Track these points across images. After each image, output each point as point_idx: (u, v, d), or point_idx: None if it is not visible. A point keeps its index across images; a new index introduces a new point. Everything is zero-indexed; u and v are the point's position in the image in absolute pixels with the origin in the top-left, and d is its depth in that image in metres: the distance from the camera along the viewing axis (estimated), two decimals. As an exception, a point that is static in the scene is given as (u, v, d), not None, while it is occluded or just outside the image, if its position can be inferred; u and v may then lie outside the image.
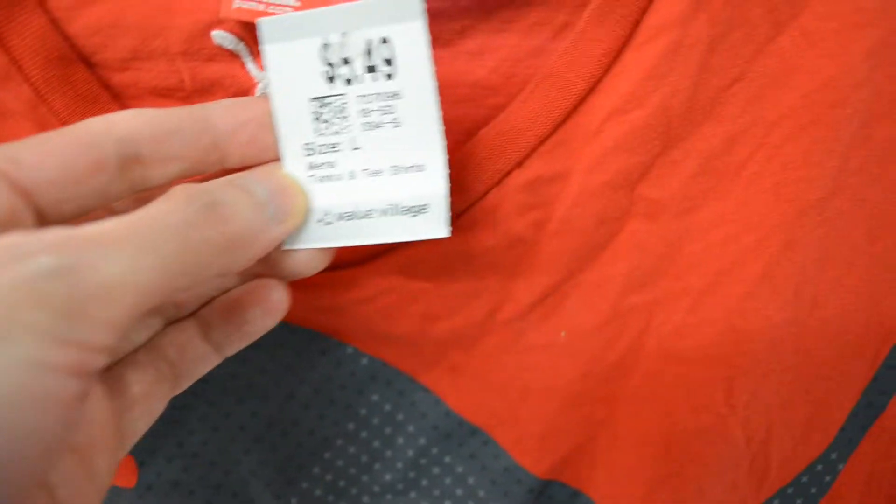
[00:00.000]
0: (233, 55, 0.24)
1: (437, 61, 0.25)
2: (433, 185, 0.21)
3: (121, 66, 0.25)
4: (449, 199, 0.21)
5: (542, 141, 0.24)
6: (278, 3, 0.23)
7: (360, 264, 0.25)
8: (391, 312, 0.26)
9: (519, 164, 0.24)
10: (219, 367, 0.27)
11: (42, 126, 0.23)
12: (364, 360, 0.28)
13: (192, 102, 0.25)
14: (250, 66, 0.24)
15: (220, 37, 0.24)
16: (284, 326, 0.27)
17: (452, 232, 0.24)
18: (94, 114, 0.23)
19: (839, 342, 0.25)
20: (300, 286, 0.25)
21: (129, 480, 0.28)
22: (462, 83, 0.25)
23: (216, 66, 0.25)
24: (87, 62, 0.24)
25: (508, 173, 0.24)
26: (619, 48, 0.23)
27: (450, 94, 0.25)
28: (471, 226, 0.25)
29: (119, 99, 0.25)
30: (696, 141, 0.24)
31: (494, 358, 0.27)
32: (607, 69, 0.23)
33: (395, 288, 0.25)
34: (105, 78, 0.25)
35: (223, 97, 0.25)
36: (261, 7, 0.23)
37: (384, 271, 0.25)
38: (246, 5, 0.23)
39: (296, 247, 0.22)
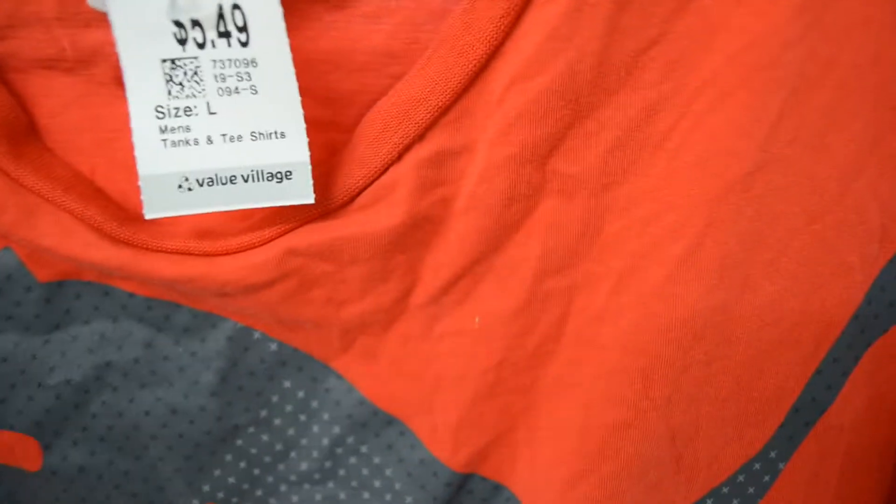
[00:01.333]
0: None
1: (330, 25, 0.23)
2: (295, 151, 0.21)
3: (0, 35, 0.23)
4: (310, 166, 0.21)
5: (444, 111, 0.21)
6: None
7: (250, 249, 0.23)
8: (292, 298, 0.24)
9: (420, 138, 0.22)
10: (120, 351, 0.26)
11: None
12: (273, 346, 0.26)
13: (78, 73, 0.24)
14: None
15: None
16: (188, 311, 0.26)
17: (352, 211, 0.23)
18: None
19: (774, 331, 0.23)
20: (196, 274, 0.24)
21: (32, 463, 0.27)
22: (358, 50, 0.23)
23: (95, 32, 0.23)
24: None
25: (409, 147, 0.22)
26: (521, 8, 0.20)
27: (345, 62, 0.23)
28: (371, 204, 0.23)
29: (1, 71, 0.24)
30: (613, 111, 0.21)
31: (407, 344, 0.25)
32: (508, 31, 0.20)
33: (292, 272, 0.24)
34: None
35: (106, 67, 0.24)
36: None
37: (278, 255, 0.23)
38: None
39: (158, 214, 0.22)
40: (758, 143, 0.21)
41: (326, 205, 0.23)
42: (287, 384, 0.27)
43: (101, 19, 0.23)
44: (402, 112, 0.22)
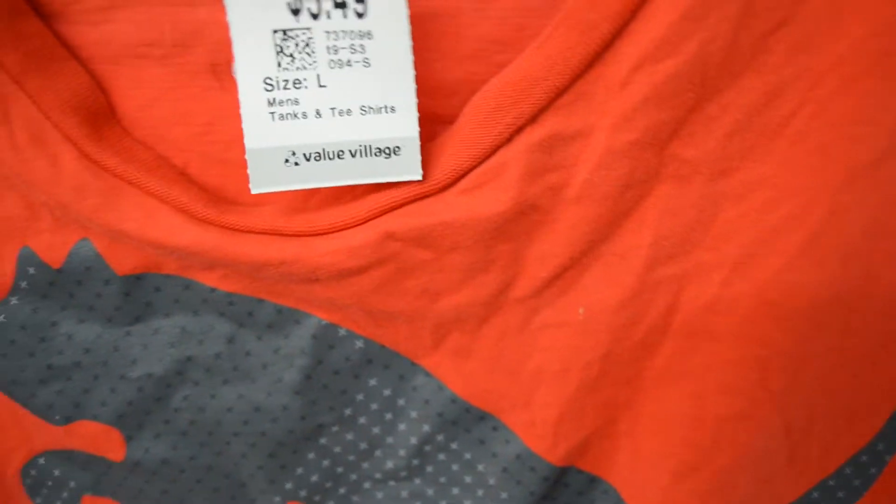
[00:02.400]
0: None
1: (437, 13, 0.23)
2: (405, 126, 0.21)
3: (95, 20, 0.23)
4: (419, 141, 0.21)
5: (560, 93, 0.21)
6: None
7: (346, 229, 0.23)
8: (386, 287, 0.23)
9: (532, 120, 0.21)
10: (201, 346, 0.26)
11: None
12: (359, 343, 0.26)
13: (170, 63, 0.24)
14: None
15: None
16: (271, 306, 0.25)
17: (455, 193, 0.22)
18: (51, 71, 0.22)
19: (893, 322, 0.22)
20: (287, 257, 0.23)
21: (116, 454, 0.27)
22: (466, 37, 0.23)
23: (199, 10, 0.23)
24: (58, 18, 0.23)
25: (520, 129, 0.21)
26: None
27: (452, 50, 0.23)
28: (476, 187, 0.22)
29: (91, 62, 0.23)
30: (735, 94, 0.21)
31: (504, 339, 0.25)
32: (636, 10, 0.20)
33: (389, 257, 0.23)
34: (77, 35, 0.23)
35: (202, 52, 0.23)
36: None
37: (376, 238, 0.22)
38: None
39: (263, 189, 0.21)
40: (884, 131, 0.20)
41: (428, 186, 0.22)
42: (373, 382, 0.26)
43: (206, -2, 0.23)
44: (517, 92, 0.21)
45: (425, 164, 0.22)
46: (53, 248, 0.24)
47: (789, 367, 0.22)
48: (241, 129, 0.24)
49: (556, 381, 0.25)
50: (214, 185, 0.24)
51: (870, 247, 0.22)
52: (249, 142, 0.21)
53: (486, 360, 0.25)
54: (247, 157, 0.21)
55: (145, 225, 0.23)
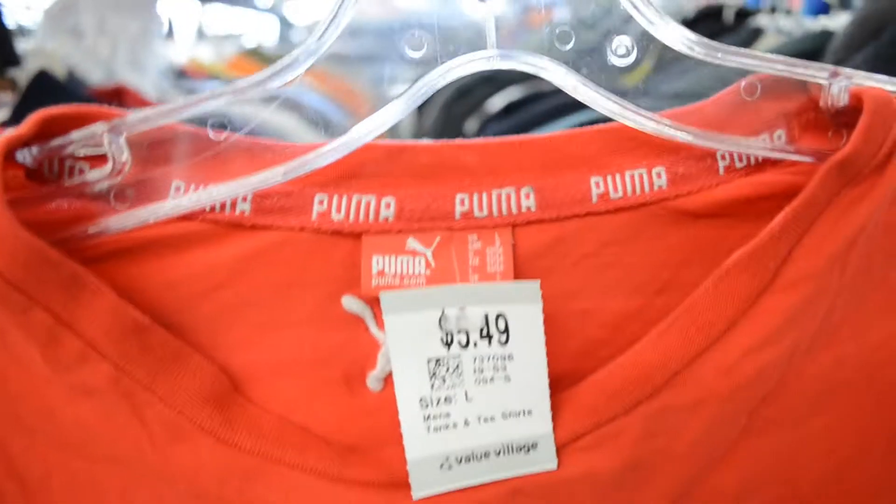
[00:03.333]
0: (356, 321, 0.26)
1: (550, 321, 0.26)
2: (541, 425, 0.24)
3: (243, 345, 0.25)
4: (553, 436, 0.24)
5: (676, 374, 0.25)
6: (411, 274, 0.25)
7: (482, 487, 0.25)
8: None
9: (650, 396, 0.25)
10: None
11: (128, 397, 0.23)
12: None
13: (306, 376, 0.26)
14: (374, 329, 0.26)
15: (349, 302, 0.25)
16: None
17: (574, 453, 0.25)
18: (178, 372, 0.24)
19: None
20: None
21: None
22: (573, 339, 0.26)
23: (339, 334, 0.26)
24: (204, 346, 0.25)
25: (639, 403, 0.25)
26: (759, 294, 0.24)
27: (562, 350, 0.26)
28: (594, 447, 0.25)
29: (232, 382, 0.25)
30: (811, 365, 0.26)
31: None
32: (745, 312, 0.24)
33: None
34: (223, 360, 0.25)
35: (338, 366, 0.26)
36: (396, 281, 0.24)
37: (505, 493, 0.25)
38: (383, 281, 0.24)
39: (424, 494, 0.24)
40: None
41: None
42: None
43: (348, 321, 0.26)
44: (642, 375, 0.24)
45: None
46: None
47: None
48: (371, 426, 0.26)
49: None
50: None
51: None
52: (410, 453, 0.23)
53: None
54: (408, 467, 0.23)
55: (287, 499, 0.24)
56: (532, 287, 0.23)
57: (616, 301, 0.27)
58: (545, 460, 0.24)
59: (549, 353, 0.26)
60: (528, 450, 0.24)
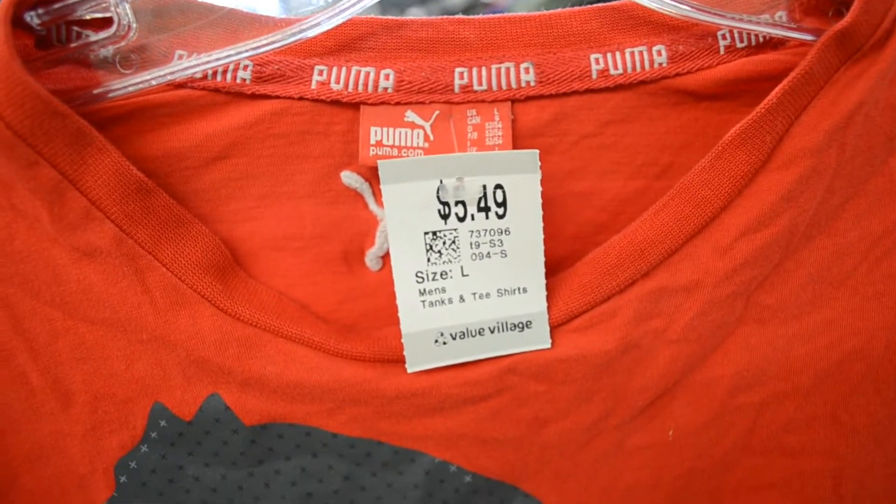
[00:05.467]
0: (356, 196, 0.26)
1: (549, 202, 0.26)
2: (536, 303, 0.24)
3: (244, 217, 0.26)
4: (547, 315, 0.24)
5: (671, 254, 0.25)
6: (409, 146, 0.25)
7: (475, 364, 0.25)
8: (501, 415, 0.26)
9: (645, 275, 0.25)
10: (321, 484, 0.27)
11: (131, 260, 0.24)
12: (468, 478, 0.28)
13: (305, 252, 0.26)
14: (372, 205, 0.26)
15: (348, 177, 0.25)
16: (389, 448, 0.27)
17: (568, 333, 0.25)
18: (180, 238, 0.24)
19: None
20: (418, 389, 0.25)
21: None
22: (572, 221, 0.27)
23: (339, 208, 0.26)
24: (205, 220, 0.25)
25: (633, 282, 0.25)
26: (755, 171, 0.24)
27: (560, 233, 0.27)
28: (588, 327, 0.25)
29: (235, 256, 0.26)
30: (810, 252, 0.26)
31: (601, 460, 0.27)
32: (741, 190, 0.24)
33: (507, 388, 0.25)
34: (224, 232, 0.26)
35: (337, 242, 0.26)
36: (394, 153, 0.25)
37: (497, 372, 0.25)
38: (381, 151, 0.24)
39: (418, 368, 0.24)
40: None
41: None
42: None
43: (346, 197, 0.26)
44: (637, 251, 0.25)
45: None
46: (185, 403, 0.25)
47: (857, 476, 0.26)
48: (368, 306, 0.27)
49: (646, 495, 0.27)
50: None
51: None
52: (405, 327, 0.24)
53: (583, 480, 0.28)
54: (403, 340, 0.24)
55: (285, 368, 0.25)
56: (531, 156, 0.23)
57: (616, 183, 0.27)
58: (539, 339, 0.25)
59: (547, 236, 0.26)
60: (523, 328, 0.25)
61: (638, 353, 0.25)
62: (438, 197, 0.23)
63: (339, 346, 0.25)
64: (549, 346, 0.25)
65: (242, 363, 0.25)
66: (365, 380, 0.25)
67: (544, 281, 0.24)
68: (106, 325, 0.24)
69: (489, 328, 0.24)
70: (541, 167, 0.23)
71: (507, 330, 0.24)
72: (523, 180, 0.23)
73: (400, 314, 0.23)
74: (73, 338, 0.25)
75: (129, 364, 0.25)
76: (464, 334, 0.24)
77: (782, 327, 0.26)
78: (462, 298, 0.24)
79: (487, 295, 0.24)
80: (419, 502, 0.27)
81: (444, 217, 0.23)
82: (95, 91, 0.23)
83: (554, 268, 0.27)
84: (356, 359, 0.25)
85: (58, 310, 0.24)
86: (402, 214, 0.23)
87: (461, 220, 0.23)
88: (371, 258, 0.26)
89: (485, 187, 0.23)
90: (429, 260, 0.23)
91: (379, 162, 0.22)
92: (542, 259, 0.24)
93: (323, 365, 0.25)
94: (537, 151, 0.23)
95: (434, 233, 0.23)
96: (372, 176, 0.26)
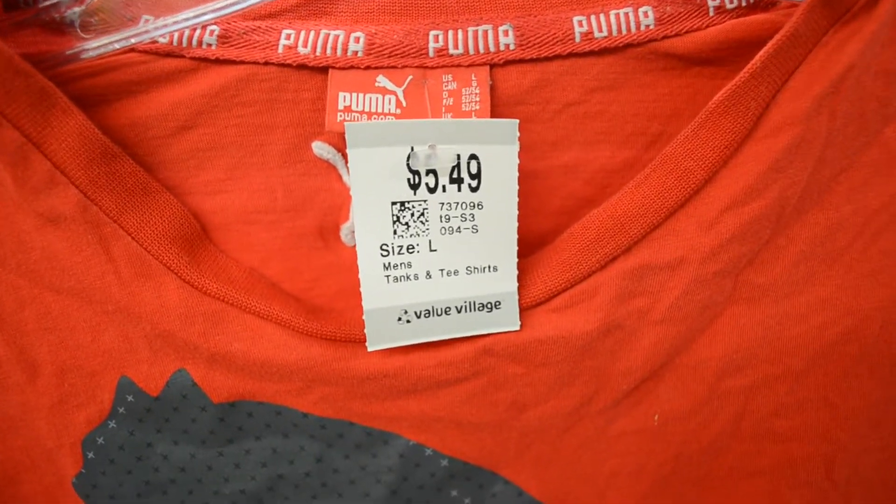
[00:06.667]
0: (329, 168, 0.25)
1: (532, 175, 0.25)
2: (506, 283, 0.23)
3: (213, 190, 0.25)
4: (517, 296, 0.23)
5: (654, 228, 0.23)
6: (379, 112, 0.24)
7: (449, 344, 0.24)
8: (477, 398, 0.25)
9: (626, 250, 0.23)
10: (291, 465, 0.26)
11: (96, 227, 0.23)
12: (444, 462, 0.27)
13: (279, 227, 0.26)
14: (346, 177, 0.25)
15: (319, 147, 0.24)
16: (361, 429, 0.26)
17: (547, 313, 0.24)
18: (146, 207, 0.23)
19: None
20: (391, 369, 0.24)
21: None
22: (556, 195, 0.25)
23: (312, 180, 0.25)
24: (174, 191, 0.25)
25: (615, 258, 0.23)
26: (741, 140, 0.22)
27: (543, 206, 0.25)
28: (568, 307, 0.24)
29: (206, 230, 0.25)
30: (801, 228, 0.24)
31: (583, 446, 0.26)
32: (726, 160, 0.23)
33: (483, 371, 0.24)
34: (194, 204, 0.25)
35: (311, 216, 0.25)
36: (364, 119, 0.24)
37: (473, 353, 0.24)
38: (350, 117, 0.23)
39: (379, 346, 0.23)
40: None
41: (522, 302, 0.24)
42: (454, 493, 0.27)
43: (319, 169, 0.25)
44: (617, 225, 0.23)
45: (519, 280, 0.24)
46: (151, 378, 0.25)
47: (851, 461, 0.25)
48: (344, 283, 0.26)
49: (630, 482, 0.26)
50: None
51: None
52: (367, 303, 0.22)
53: (565, 466, 0.26)
54: (364, 317, 0.22)
55: (252, 346, 0.24)
56: (509, 126, 0.22)
57: (602, 154, 0.25)
58: (508, 321, 0.23)
59: (529, 211, 0.25)
60: (492, 308, 0.23)
61: (621, 335, 0.24)
62: (409, 165, 0.21)
63: (307, 324, 0.24)
64: (517, 328, 0.23)
65: (208, 339, 0.24)
66: (334, 359, 0.24)
67: (516, 260, 0.23)
68: (71, 294, 0.24)
69: (456, 307, 0.23)
70: (523, 137, 0.22)
71: (474, 310, 0.23)
72: (500, 152, 0.22)
73: (362, 289, 0.22)
74: (38, 307, 0.24)
75: (95, 336, 0.24)
76: (429, 313, 0.23)
77: (773, 307, 0.24)
78: (429, 275, 0.23)
79: (456, 272, 0.23)
80: (394, 486, 0.26)
81: (414, 187, 0.22)
82: (59, 54, 0.23)
83: (537, 244, 0.25)
84: (325, 338, 0.24)
85: (23, 278, 0.24)
86: (369, 181, 0.21)
87: (431, 190, 0.22)
88: (346, 232, 0.25)
89: (458, 157, 0.22)
90: (395, 232, 0.22)
91: (346, 124, 0.21)
92: (515, 236, 0.23)
93: (291, 343, 0.24)
94: (517, 121, 0.22)
95: (402, 203, 0.22)
96: (345, 146, 0.25)
